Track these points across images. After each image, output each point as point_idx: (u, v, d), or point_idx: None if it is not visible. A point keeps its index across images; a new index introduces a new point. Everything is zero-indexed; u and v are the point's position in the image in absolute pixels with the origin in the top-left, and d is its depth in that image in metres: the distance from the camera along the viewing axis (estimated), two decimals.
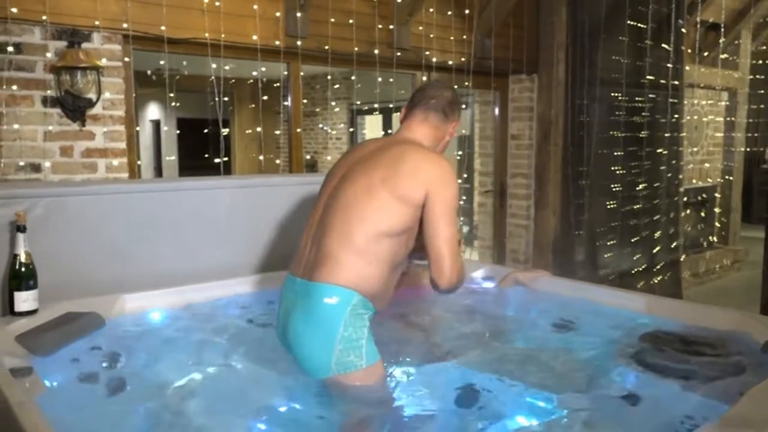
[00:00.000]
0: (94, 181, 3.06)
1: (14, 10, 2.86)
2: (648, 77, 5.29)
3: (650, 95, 5.36)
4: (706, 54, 6.51)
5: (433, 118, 1.98)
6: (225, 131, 3.65)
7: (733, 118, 7.20)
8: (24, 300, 2.06)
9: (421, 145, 1.93)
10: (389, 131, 7.20)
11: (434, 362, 2.04)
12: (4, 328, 1.96)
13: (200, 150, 5.48)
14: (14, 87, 2.92)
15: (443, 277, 1.79)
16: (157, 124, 9.33)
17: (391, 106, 4.60)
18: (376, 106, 4.46)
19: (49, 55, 3.00)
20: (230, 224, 2.74)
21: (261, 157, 4.21)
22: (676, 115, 5.61)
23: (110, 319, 2.20)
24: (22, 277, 2.06)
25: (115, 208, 2.49)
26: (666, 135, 5.55)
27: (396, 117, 7.34)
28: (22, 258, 2.07)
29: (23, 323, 2.01)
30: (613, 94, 5.12)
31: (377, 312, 1.87)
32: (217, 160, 3.67)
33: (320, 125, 8.78)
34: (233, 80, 5.11)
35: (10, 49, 2.90)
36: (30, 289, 2.07)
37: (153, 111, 9.34)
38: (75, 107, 3.05)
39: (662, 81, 5.43)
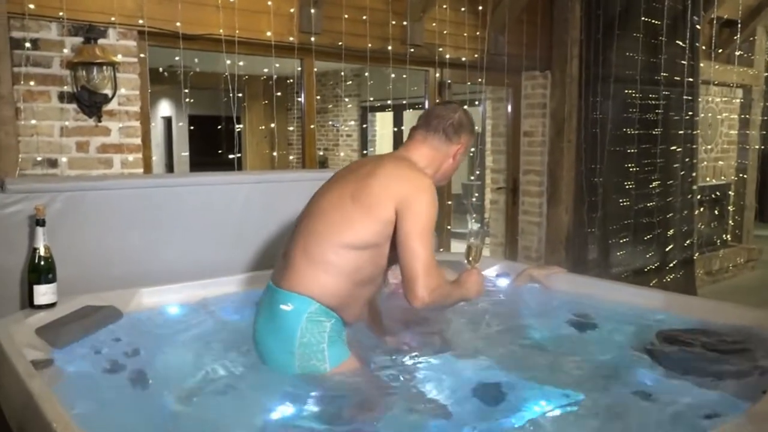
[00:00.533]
0: (113, 176, 3.08)
1: (31, 6, 2.87)
2: (662, 74, 5.25)
3: (664, 92, 5.32)
4: (720, 51, 6.45)
5: (432, 139, 1.92)
6: (238, 127, 3.66)
7: (747, 116, 7.14)
8: (43, 293, 2.08)
9: (407, 162, 1.87)
10: (402, 127, 7.19)
11: (447, 358, 2.04)
12: (24, 321, 1.98)
13: (211, 147, 5.50)
14: (31, 83, 2.94)
15: (415, 297, 1.70)
16: (168, 121, 9.38)
17: (404, 102, 4.60)
18: (389, 102, 4.45)
19: (65, 51, 3.01)
20: (247, 219, 2.75)
21: (275, 153, 4.21)
22: (690, 113, 5.57)
23: (127, 312, 2.22)
24: (42, 271, 2.08)
25: (133, 202, 2.51)
26: (680, 132, 5.51)
27: (407, 114, 7.34)
28: (42, 252, 2.09)
29: (42, 316, 2.03)
30: (627, 91, 5.08)
31: (348, 324, 1.87)
32: (231, 156, 3.68)
33: (330, 122, 8.79)
34: (246, 77, 5.12)
35: (28, 45, 2.91)
36: (49, 282, 2.09)
37: (164, 108, 9.38)
38: (91, 103, 3.06)
39: (677, 78, 5.39)
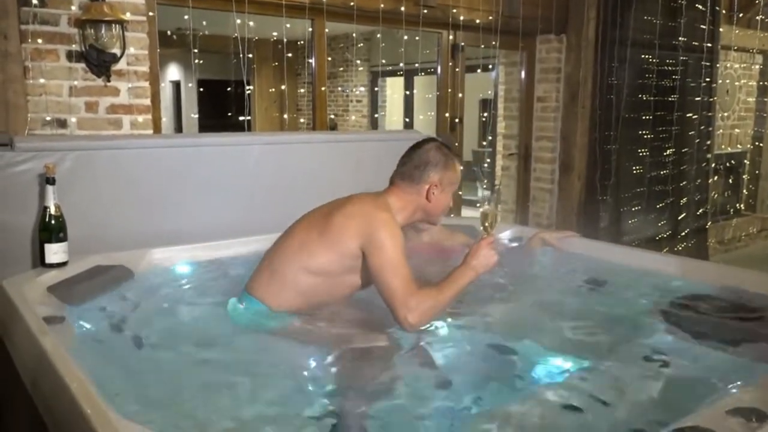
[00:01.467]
0: (123, 136, 3.05)
1: None
2: (681, 39, 5.12)
3: (682, 57, 5.20)
4: (741, 15, 6.28)
5: (401, 182, 2.02)
6: (249, 89, 3.61)
7: (766, 83, 6.99)
8: (54, 252, 2.07)
9: (371, 199, 1.96)
10: (414, 91, 7.10)
11: (454, 321, 2.02)
12: (36, 279, 1.98)
13: (220, 110, 5.46)
14: (39, 41, 2.90)
15: (403, 324, 1.79)
16: (177, 85, 9.32)
17: (416, 65, 4.51)
18: (401, 65, 4.37)
19: (73, 8, 2.96)
20: (258, 180, 2.73)
21: (285, 116, 4.16)
22: (708, 79, 5.45)
23: (138, 272, 2.22)
24: (52, 230, 2.07)
25: (144, 163, 2.49)
26: (697, 99, 5.40)
27: (418, 79, 7.23)
28: (52, 210, 2.07)
29: (54, 275, 2.03)
30: (643, 56, 4.97)
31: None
32: (241, 119, 3.64)
33: (339, 87, 8.69)
34: (255, 38, 5.04)
35: (35, 2, 2.86)
36: (60, 241, 2.09)
37: (173, 72, 9.31)
38: (100, 62, 3.02)
39: (695, 43, 5.26)
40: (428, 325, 1.87)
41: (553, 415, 1.45)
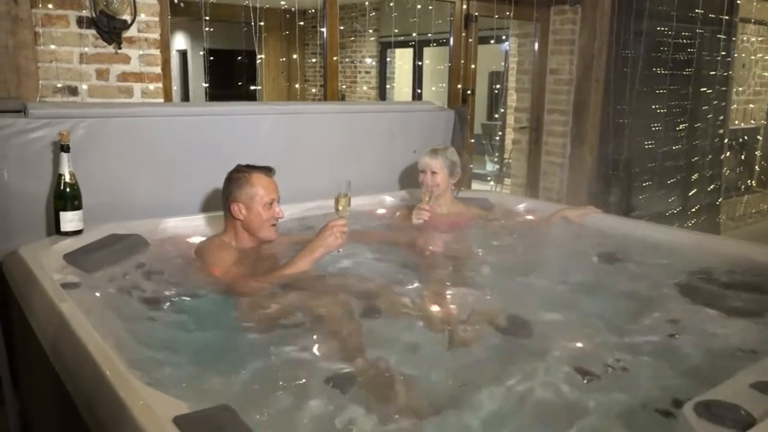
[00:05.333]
0: (136, 104, 3.03)
1: None
2: (698, 10, 5.02)
3: (699, 30, 5.09)
4: None
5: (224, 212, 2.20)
6: (260, 57, 3.56)
7: None
8: (70, 220, 2.07)
9: (207, 241, 2.22)
10: (424, 62, 7.00)
11: (470, 289, 2.03)
12: (51, 247, 1.98)
13: (227, 81, 5.40)
14: (50, 6, 2.86)
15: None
16: (183, 55, 9.23)
17: (429, 35, 4.44)
18: (414, 35, 4.30)
19: None
20: (270, 151, 2.69)
21: (297, 86, 4.12)
22: (723, 52, 5.35)
23: (153, 241, 2.22)
24: (68, 198, 2.07)
25: (157, 131, 2.46)
26: (712, 73, 5.31)
27: (427, 51, 7.12)
28: (67, 178, 2.06)
29: (70, 243, 2.03)
30: (659, 29, 4.88)
31: None
32: (252, 88, 3.60)
33: (347, 58, 8.59)
34: (266, 6, 4.96)
35: None
36: (75, 209, 2.08)
37: (179, 41, 9.21)
38: (110, 29, 2.98)
39: (712, 15, 5.15)
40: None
41: (570, 385, 1.45)
